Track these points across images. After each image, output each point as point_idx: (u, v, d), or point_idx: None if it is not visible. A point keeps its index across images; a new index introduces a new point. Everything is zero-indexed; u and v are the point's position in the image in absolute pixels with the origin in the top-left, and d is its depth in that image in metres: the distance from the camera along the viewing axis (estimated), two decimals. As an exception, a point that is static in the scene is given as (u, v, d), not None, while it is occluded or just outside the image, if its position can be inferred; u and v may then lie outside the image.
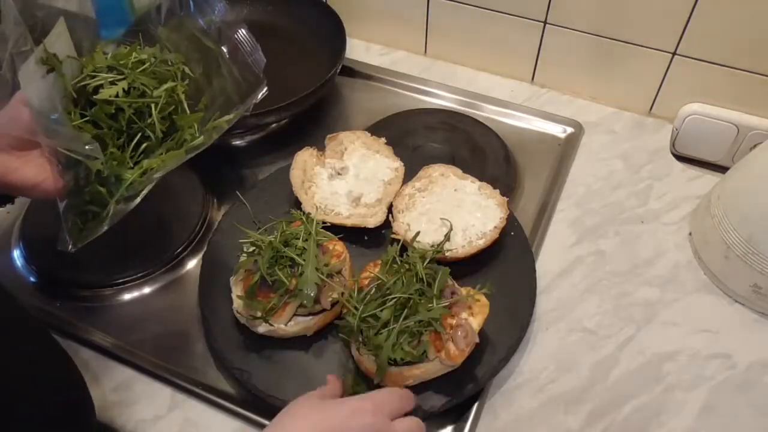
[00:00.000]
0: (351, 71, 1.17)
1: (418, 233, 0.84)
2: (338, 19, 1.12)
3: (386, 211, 0.90)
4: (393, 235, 0.87)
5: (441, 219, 0.87)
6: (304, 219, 0.82)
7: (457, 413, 0.77)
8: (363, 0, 1.18)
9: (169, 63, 0.74)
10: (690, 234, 0.93)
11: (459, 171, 0.93)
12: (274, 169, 0.99)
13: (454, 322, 0.74)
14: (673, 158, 1.04)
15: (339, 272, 0.80)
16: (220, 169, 1.02)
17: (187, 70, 0.74)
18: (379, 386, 0.73)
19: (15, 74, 0.64)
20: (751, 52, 0.95)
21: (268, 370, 0.78)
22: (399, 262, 0.78)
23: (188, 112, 0.72)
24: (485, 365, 0.77)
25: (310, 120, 1.09)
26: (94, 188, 0.66)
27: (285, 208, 0.90)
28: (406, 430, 0.62)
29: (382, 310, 0.72)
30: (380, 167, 0.95)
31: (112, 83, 0.68)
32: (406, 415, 0.65)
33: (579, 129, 1.07)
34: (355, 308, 0.74)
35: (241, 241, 0.83)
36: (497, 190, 0.91)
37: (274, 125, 1.08)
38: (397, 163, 0.95)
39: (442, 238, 0.85)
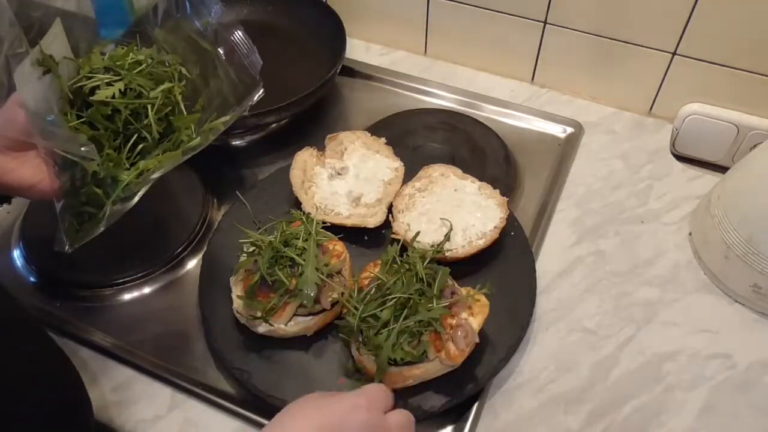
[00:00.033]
0: (351, 71, 1.17)
1: (418, 233, 0.84)
2: (338, 19, 1.12)
3: (386, 211, 0.90)
4: (393, 235, 0.87)
5: (441, 219, 0.87)
6: (304, 219, 0.82)
7: (457, 413, 0.77)
8: (363, 0, 1.18)
9: (166, 64, 0.74)
10: (690, 234, 0.93)
11: (459, 171, 0.93)
12: (274, 169, 0.99)
13: (454, 322, 0.74)
14: (673, 158, 1.04)
15: (339, 272, 0.80)
16: (220, 169, 1.02)
17: (184, 71, 0.74)
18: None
19: (10, 76, 0.64)
20: (751, 52, 0.95)
21: (268, 370, 0.78)
22: (399, 262, 0.78)
23: (185, 113, 0.72)
24: (485, 365, 0.77)
25: (310, 120, 1.09)
26: (90, 189, 0.66)
27: (285, 208, 0.90)
28: (398, 423, 0.62)
29: (382, 310, 0.72)
30: (380, 167, 0.95)
31: (109, 84, 0.68)
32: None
33: (579, 129, 1.07)
34: (355, 308, 0.74)
35: (241, 241, 0.83)
36: (497, 190, 0.91)
37: (274, 125, 1.08)
38: (397, 163, 0.95)
39: (442, 238, 0.85)
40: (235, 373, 0.78)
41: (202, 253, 0.90)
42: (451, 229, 0.86)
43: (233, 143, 1.08)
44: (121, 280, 0.89)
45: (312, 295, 0.75)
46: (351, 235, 0.88)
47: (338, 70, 1.07)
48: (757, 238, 0.81)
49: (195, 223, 0.95)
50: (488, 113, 1.11)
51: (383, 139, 0.98)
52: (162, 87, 0.70)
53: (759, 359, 0.81)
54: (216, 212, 0.98)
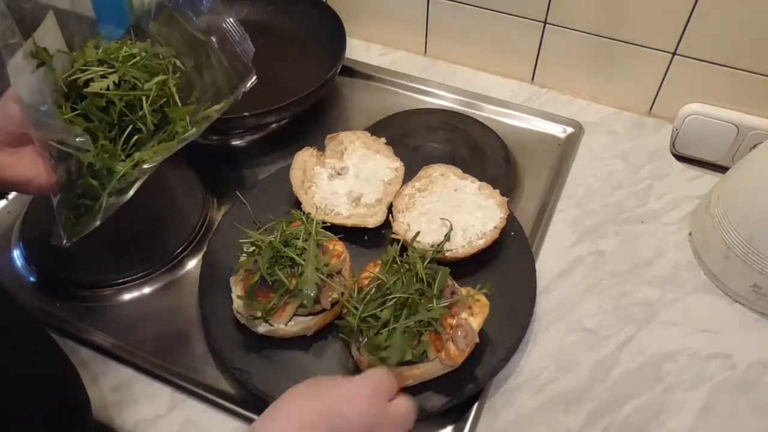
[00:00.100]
0: (351, 71, 1.17)
1: (418, 233, 0.84)
2: (338, 19, 1.12)
3: (386, 211, 0.90)
4: (393, 235, 0.87)
5: (441, 219, 0.87)
6: (304, 219, 0.82)
7: (457, 413, 0.77)
8: (363, 0, 1.19)
9: (160, 57, 0.74)
10: (690, 234, 0.93)
11: (459, 171, 0.93)
12: (274, 169, 0.99)
13: (454, 322, 0.74)
14: (673, 158, 1.04)
15: (339, 272, 0.80)
16: (220, 169, 1.02)
17: (178, 63, 0.74)
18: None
19: (3, 67, 0.64)
20: (751, 52, 0.95)
21: (268, 370, 0.78)
22: (399, 262, 0.78)
23: (180, 104, 0.72)
24: (485, 365, 0.77)
25: (310, 120, 1.09)
26: (86, 181, 0.66)
27: (285, 208, 0.90)
28: (401, 412, 0.60)
29: (382, 310, 0.72)
30: (380, 167, 0.95)
31: (103, 77, 0.68)
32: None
33: (579, 129, 1.07)
34: (355, 308, 0.74)
35: (241, 241, 0.83)
36: (497, 190, 0.91)
37: (274, 125, 1.08)
38: (397, 163, 0.95)
39: (442, 238, 0.85)
40: (235, 373, 0.78)
41: (202, 253, 0.90)
42: (451, 229, 0.86)
43: (233, 143, 1.08)
44: (120, 280, 0.89)
45: (312, 295, 0.75)
46: (351, 235, 0.88)
47: (338, 70, 1.07)
48: (757, 238, 0.81)
49: (195, 223, 0.95)
50: (488, 113, 1.11)
51: (383, 139, 0.98)
52: (156, 79, 0.70)
53: (759, 359, 0.81)
54: (216, 212, 0.98)
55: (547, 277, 0.88)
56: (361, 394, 0.58)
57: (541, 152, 1.05)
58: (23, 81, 0.64)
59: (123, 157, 0.68)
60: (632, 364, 0.81)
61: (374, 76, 1.17)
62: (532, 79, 1.16)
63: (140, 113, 0.69)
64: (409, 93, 1.15)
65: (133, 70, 0.69)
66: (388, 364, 0.70)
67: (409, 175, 0.94)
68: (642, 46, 1.02)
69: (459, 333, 0.73)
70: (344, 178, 0.94)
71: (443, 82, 1.15)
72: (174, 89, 0.72)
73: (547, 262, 0.90)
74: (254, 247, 0.80)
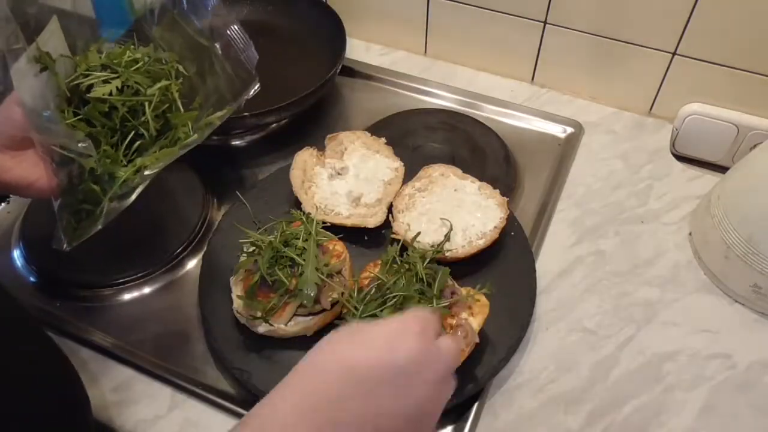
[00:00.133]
0: (351, 71, 1.17)
1: (418, 233, 0.84)
2: (338, 19, 1.12)
3: (386, 211, 0.90)
4: (393, 235, 0.87)
5: (441, 219, 0.87)
6: (304, 219, 0.82)
7: (457, 413, 0.77)
8: (363, 0, 1.18)
9: (163, 62, 0.74)
10: (690, 234, 0.93)
11: (459, 171, 0.93)
12: (274, 169, 0.99)
13: (454, 322, 0.74)
14: (673, 158, 1.04)
15: (339, 272, 0.80)
16: (220, 169, 1.02)
17: (181, 68, 0.74)
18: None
19: (6, 72, 0.64)
20: (751, 52, 0.95)
21: (268, 370, 0.78)
22: (399, 262, 0.78)
23: (182, 110, 0.72)
24: (485, 365, 0.77)
25: (310, 120, 1.09)
26: (87, 186, 0.66)
27: (285, 208, 0.90)
28: (452, 348, 0.55)
29: (382, 310, 0.72)
30: (380, 167, 0.95)
31: (106, 82, 0.68)
32: None
33: (579, 129, 1.07)
34: (355, 308, 0.74)
35: (241, 241, 0.83)
36: (497, 190, 0.91)
37: (274, 125, 1.08)
38: (397, 163, 0.95)
39: (442, 238, 0.85)
40: (235, 373, 0.78)
41: (202, 253, 0.90)
42: (451, 229, 0.86)
43: (233, 143, 1.08)
44: (121, 280, 0.89)
45: (312, 295, 0.75)
46: (351, 235, 0.88)
47: (338, 70, 1.07)
48: (757, 238, 0.81)
49: (195, 223, 0.95)
50: (488, 113, 1.11)
51: (383, 139, 0.98)
52: (159, 84, 0.70)
53: (759, 359, 0.81)
54: (216, 212, 0.98)
55: (547, 277, 0.88)
56: (409, 331, 0.52)
57: (541, 152, 1.05)
58: (26, 85, 0.64)
59: (125, 163, 0.68)
60: (632, 364, 0.81)
61: (374, 76, 1.17)
62: (532, 79, 1.16)
63: (143, 119, 0.69)
64: (409, 93, 1.15)
65: (135, 76, 0.69)
66: None
67: (409, 175, 0.94)
68: (642, 46, 1.02)
69: (459, 333, 0.73)
70: (344, 178, 0.94)
71: (443, 82, 1.15)
72: (177, 95, 0.72)
73: (547, 262, 0.90)
74: (254, 247, 0.80)
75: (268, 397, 0.52)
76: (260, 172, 1.02)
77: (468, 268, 0.85)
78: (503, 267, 0.86)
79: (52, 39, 0.68)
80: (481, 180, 0.92)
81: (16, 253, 0.92)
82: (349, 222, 0.89)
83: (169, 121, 0.71)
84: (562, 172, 1.01)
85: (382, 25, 1.21)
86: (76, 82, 0.68)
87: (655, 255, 0.91)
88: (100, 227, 0.67)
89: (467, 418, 0.76)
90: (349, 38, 1.11)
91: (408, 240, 0.84)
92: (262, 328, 0.78)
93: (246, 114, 0.95)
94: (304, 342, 0.80)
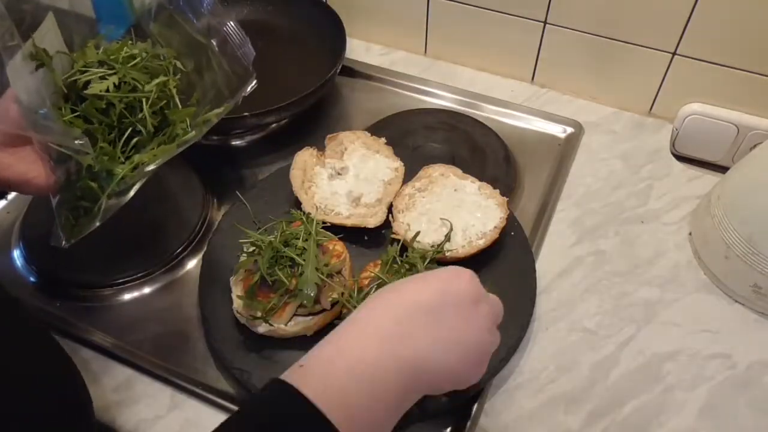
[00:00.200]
0: (351, 71, 1.17)
1: (418, 233, 0.84)
2: (338, 19, 1.12)
3: (386, 211, 0.90)
4: (393, 235, 0.87)
5: (441, 219, 0.87)
6: (304, 219, 0.82)
7: (457, 413, 0.77)
8: (363, 0, 1.19)
9: (161, 58, 0.74)
10: (690, 234, 0.93)
11: (459, 171, 0.93)
12: (274, 169, 0.99)
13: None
14: (673, 158, 1.04)
15: (339, 272, 0.80)
16: (220, 169, 1.02)
17: (178, 64, 0.74)
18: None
19: (2, 69, 0.64)
20: (751, 52, 0.95)
21: (268, 370, 0.78)
22: (399, 262, 0.78)
23: (180, 106, 0.72)
24: (485, 365, 0.77)
25: (310, 120, 1.09)
26: (85, 183, 0.66)
27: (285, 208, 0.90)
28: (495, 301, 0.61)
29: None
30: (380, 167, 0.95)
31: (103, 78, 0.68)
32: None
33: (579, 129, 1.07)
34: (355, 308, 0.74)
35: (241, 241, 0.83)
36: (497, 190, 0.91)
37: (274, 125, 1.08)
38: (397, 163, 0.95)
39: (442, 238, 0.85)
40: (235, 373, 0.78)
41: (202, 253, 0.90)
42: (451, 229, 0.86)
43: (233, 143, 1.08)
44: (120, 280, 0.89)
45: (312, 295, 0.75)
46: (351, 235, 0.88)
47: (338, 70, 1.07)
48: (757, 238, 0.81)
49: (195, 223, 0.95)
50: (488, 113, 1.11)
51: (383, 139, 0.98)
52: (157, 81, 0.70)
53: (759, 359, 0.81)
54: (216, 212, 0.98)
55: (547, 277, 0.88)
56: (463, 277, 0.58)
57: (541, 152, 1.05)
58: (22, 83, 0.64)
59: (122, 160, 0.68)
60: (632, 364, 0.81)
61: (374, 76, 1.17)
62: (532, 79, 1.16)
63: (140, 115, 0.69)
64: (409, 93, 1.15)
65: (133, 72, 0.69)
66: None
67: (409, 175, 0.94)
68: (642, 46, 1.02)
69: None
70: (344, 178, 0.94)
71: (443, 82, 1.15)
72: (174, 91, 0.72)
73: (547, 262, 0.90)
74: (254, 247, 0.80)
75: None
76: (260, 172, 1.02)
77: (468, 268, 0.85)
78: (503, 267, 0.86)
79: (49, 36, 0.68)
80: (481, 180, 0.92)
81: (16, 253, 0.92)
82: (349, 222, 0.89)
83: (166, 117, 0.71)
84: (562, 172, 1.01)
85: (382, 25, 1.21)
86: (73, 79, 0.68)
87: (655, 255, 0.91)
88: (98, 224, 0.67)
89: (467, 418, 0.76)
90: (349, 38, 1.11)
91: (408, 240, 0.84)
92: (262, 328, 0.78)
93: (246, 114, 0.95)
94: (304, 342, 0.80)
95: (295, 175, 0.92)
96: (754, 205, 0.82)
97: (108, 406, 0.78)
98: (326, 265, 0.78)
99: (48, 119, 0.64)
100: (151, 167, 0.68)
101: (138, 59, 0.71)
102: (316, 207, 0.90)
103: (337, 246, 0.83)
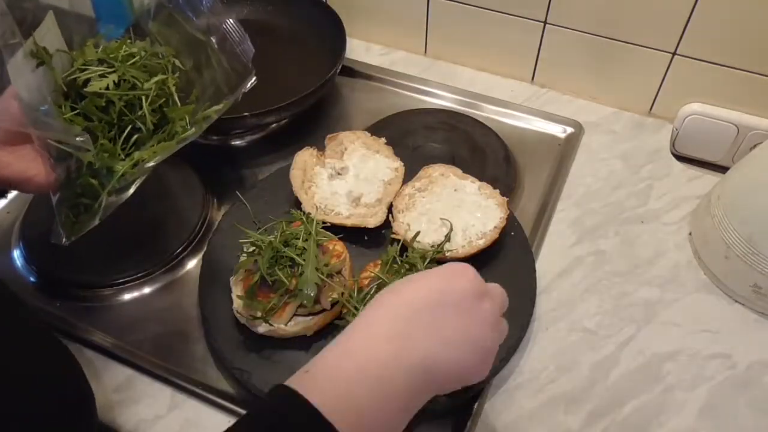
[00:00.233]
0: (351, 71, 1.17)
1: (418, 233, 0.84)
2: (338, 19, 1.12)
3: (386, 211, 0.90)
4: (393, 235, 0.87)
5: (441, 219, 0.87)
6: (304, 219, 0.82)
7: (457, 413, 0.77)
8: (363, 0, 1.19)
9: (160, 56, 0.74)
10: (690, 234, 0.93)
11: (459, 171, 0.93)
12: (274, 169, 0.99)
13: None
14: (673, 158, 1.04)
15: (339, 272, 0.80)
16: (220, 169, 1.02)
17: (177, 63, 0.75)
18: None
19: (3, 66, 0.64)
20: (751, 52, 0.95)
21: (268, 370, 0.78)
22: (399, 262, 0.78)
23: (179, 104, 0.73)
24: (485, 365, 0.77)
25: (310, 120, 1.09)
26: (85, 180, 0.67)
27: (285, 208, 0.90)
28: (501, 293, 0.60)
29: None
30: (380, 167, 0.95)
31: (103, 76, 0.68)
32: None
33: (579, 129, 1.07)
34: (355, 308, 0.74)
35: (241, 241, 0.83)
36: (497, 190, 0.91)
37: (274, 125, 1.08)
38: (397, 163, 0.95)
39: (442, 238, 0.85)
40: (235, 373, 0.78)
41: (202, 253, 0.90)
42: (451, 229, 0.86)
43: (233, 143, 1.08)
44: (120, 280, 0.89)
45: (312, 295, 0.75)
46: (351, 235, 0.88)
47: (338, 70, 1.07)
48: (757, 238, 0.81)
49: (195, 223, 0.95)
50: (488, 113, 1.11)
51: (383, 139, 0.98)
52: (156, 79, 0.71)
53: (759, 359, 0.81)
54: (216, 212, 0.98)
55: (547, 277, 0.88)
56: (464, 272, 0.57)
57: (541, 152, 1.05)
58: (23, 80, 0.64)
59: (122, 157, 0.68)
60: (632, 364, 0.81)
61: (374, 76, 1.17)
62: (532, 79, 1.16)
63: (140, 113, 0.69)
64: (409, 93, 1.15)
65: (132, 70, 0.70)
66: None
67: (409, 175, 0.94)
68: (642, 46, 1.02)
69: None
70: (344, 178, 0.94)
71: (443, 82, 1.15)
72: (173, 89, 0.72)
73: (547, 262, 0.90)
74: (254, 247, 0.80)
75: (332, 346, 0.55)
76: (260, 172, 1.02)
77: (468, 267, 0.85)
78: (503, 267, 0.86)
79: (49, 34, 0.68)
80: (481, 180, 0.92)
81: (16, 253, 0.92)
82: (349, 222, 0.89)
83: (166, 115, 0.71)
84: (562, 172, 1.01)
85: (382, 25, 1.21)
86: (72, 77, 0.68)
87: (655, 255, 0.91)
88: (98, 221, 0.67)
89: (467, 418, 0.76)
90: (349, 38, 1.11)
91: (408, 240, 0.84)
92: (262, 328, 0.78)
93: (246, 114, 0.95)
94: (304, 342, 0.80)
95: (295, 175, 0.92)
96: (754, 205, 0.82)
97: (108, 406, 0.78)
98: (326, 265, 0.78)
99: (49, 116, 0.64)
100: (151, 164, 0.68)
101: (137, 58, 0.71)
102: (316, 207, 0.90)
103: (337, 246, 0.83)
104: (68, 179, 0.67)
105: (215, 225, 0.93)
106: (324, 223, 0.85)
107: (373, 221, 0.88)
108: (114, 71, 0.69)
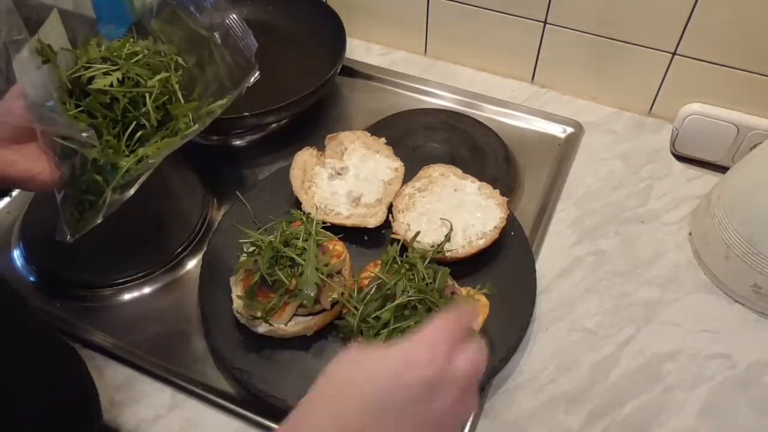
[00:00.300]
0: (351, 71, 1.17)
1: (418, 233, 0.84)
2: (338, 19, 1.12)
3: (386, 211, 0.90)
4: (393, 235, 0.87)
5: (441, 219, 0.87)
6: (304, 219, 0.82)
7: (457, 413, 0.77)
8: (363, 0, 1.19)
9: (163, 54, 0.74)
10: (690, 234, 0.93)
11: (459, 171, 0.93)
12: (274, 169, 0.99)
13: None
14: (673, 158, 1.04)
15: (339, 272, 0.80)
16: (220, 169, 1.02)
17: (180, 61, 0.75)
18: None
19: (9, 63, 0.65)
20: (751, 52, 0.95)
21: (268, 370, 0.78)
22: (399, 262, 0.78)
23: (182, 101, 0.73)
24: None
25: (310, 120, 1.09)
26: (90, 177, 0.67)
27: (285, 208, 0.90)
28: (469, 367, 0.51)
29: (383, 312, 0.72)
30: (380, 167, 0.95)
31: (106, 74, 0.69)
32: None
33: (579, 129, 1.07)
34: (355, 308, 0.74)
35: (241, 241, 0.83)
36: (497, 190, 0.91)
37: (274, 125, 1.08)
38: (397, 163, 0.95)
39: (442, 238, 0.85)
40: (235, 373, 0.78)
41: (202, 253, 0.90)
42: (451, 229, 0.86)
43: (233, 143, 1.08)
44: (121, 280, 0.89)
45: (312, 295, 0.75)
46: (351, 235, 0.88)
47: (338, 70, 1.07)
48: (757, 238, 0.81)
49: (195, 223, 0.95)
50: (488, 113, 1.11)
51: (383, 139, 0.98)
52: (159, 76, 0.71)
53: (759, 359, 0.81)
54: (216, 212, 0.98)
55: (547, 277, 0.88)
56: (418, 362, 0.49)
57: (541, 152, 1.05)
58: (28, 77, 0.65)
59: (127, 153, 0.69)
60: (632, 364, 0.81)
61: (374, 76, 1.17)
62: (532, 79, 1.16)
63: (143, 110, 0.69)
64: (409, 93, 1.15)
65: (136, 68, 0.70)
66: None
67: (409, 175, 0.94)
68: (642, 46, 1.02)
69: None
70: (344, 178, 0.94)
71: (443, 82, 1.15)
72: (177, 86, 0.72)
73: (547, 262, 0.90)
74: (254, 247, 0.80)
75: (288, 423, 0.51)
76: (260, 172, 1.02)
77: (468, 268, 0.85)
78: (503, 267, 0.86)
79: (53, 32, 0.69)
80: (481, 180, 0.92)
81: (16, 253, 0.92)
82: (349, 222, 0.89)
83: (169, 112, 0.72)
84: (562, 172, 1.01)
85: (382, 25, 1.21)
86: (77, 75, 0.69)
87: (655, 255, 0.91)
88: (102, 218, 0.68)
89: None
90: (349, 38, 1.11)
91: (408, 240, 0.84)
92: (262, 328, 0.78)
93: (246, 114, 0.95)
94: (304, 342, 0.80)
95: (295, 175, 0.92)
96: (754, 205, 0.82)
97: (108, 405, 0.78)
98: (326, 265, 0.78)
99: (54, 112, 0.64)
100: (155, 159, 0.69)
101: (140, 56, 0.72)
102: (316, 207, 0.90)
103: (337, 246, 0.83)
104: (73, 176, 0.67)
105: (215, 225, 0.93)
106: (324, 223, 0.85)
107: (373, 221, 0.88)
108: (118, 69, 0.69)
